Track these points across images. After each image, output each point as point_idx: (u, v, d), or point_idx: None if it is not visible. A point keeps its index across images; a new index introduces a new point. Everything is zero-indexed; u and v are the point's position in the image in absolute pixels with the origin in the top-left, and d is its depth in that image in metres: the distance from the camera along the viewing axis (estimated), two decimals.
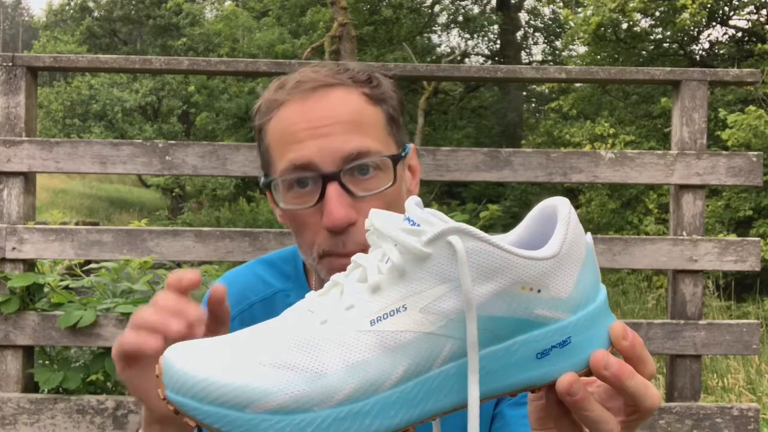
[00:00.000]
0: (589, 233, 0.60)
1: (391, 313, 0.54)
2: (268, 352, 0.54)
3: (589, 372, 0.58)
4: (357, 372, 0.53)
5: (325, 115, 0.89)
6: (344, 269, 0.60)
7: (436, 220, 0.55)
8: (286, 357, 0.53)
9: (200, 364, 0.53)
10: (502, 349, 0.56)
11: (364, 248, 0.91)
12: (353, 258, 0.59)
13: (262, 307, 1.06)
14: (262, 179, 0.97)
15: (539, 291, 0.55)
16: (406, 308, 0.54)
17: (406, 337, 0.54)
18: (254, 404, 0.52)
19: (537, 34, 21.79)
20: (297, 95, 0.91)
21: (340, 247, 0.88)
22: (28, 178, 2.28)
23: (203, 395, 0.52)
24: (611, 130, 9.77)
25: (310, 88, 0.91)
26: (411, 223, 0.56)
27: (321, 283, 0.80)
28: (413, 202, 0.57)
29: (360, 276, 0.57)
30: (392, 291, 0.55)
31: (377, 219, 0.58)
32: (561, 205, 0.58)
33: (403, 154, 0.95)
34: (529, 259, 0.54)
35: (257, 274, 1.09)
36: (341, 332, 0.54)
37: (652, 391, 0.59)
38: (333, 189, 0.87)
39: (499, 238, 0.57)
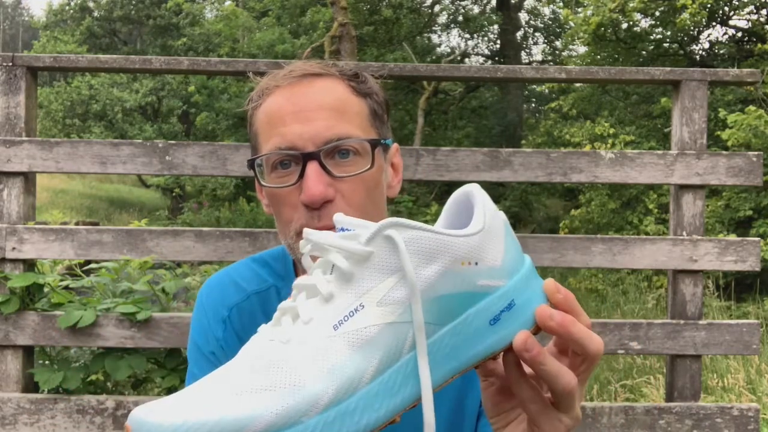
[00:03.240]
0: (501, 211, 0.65)
1: (351, 314, 0.56)
2: (240, 382, 0.54)
3: (537, 329, 0.62)
4: (334, 375, 0.54)
5: (310, 100, 0.93)
6: None
7: (368, 223, 0.58)
8: (261, 381, 0.54)
9: (175, 412, 0.52)
10: (460, 324, 0.59)
11: None
12: (294, 284, 0.60)
13: (258, 299, 1.09)
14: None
15: (476, 264, 0.60)
16: (363, 306, 0.57)
17: (371, 332, 0.56)
18: (243, 431, 0.51)
19: (537, 34, 21.81)
20: (286, 82, 0.96)
21: (315, 222, 0.91)
22: (28, 178, 2.28)
23: None
24: (611, 130, 9.76)
25: (299, 76, 0.96)
26: (345, 230, 0.59)
27: None
28: (339, 216, 0.61)
29: (309, 294, 0.59)
30: (345, 295, 0.57)
31: (313, 235, 0.60)
32: (475, 190, 0.64)
33: (383, 141, 0.98)
34: (461, 237, 0.59)
35: (252, 269, 1.13)
36: (308, 344, 0.56)
37: (595, 336, 0.63)
38: (312, 167, 0.91)
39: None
